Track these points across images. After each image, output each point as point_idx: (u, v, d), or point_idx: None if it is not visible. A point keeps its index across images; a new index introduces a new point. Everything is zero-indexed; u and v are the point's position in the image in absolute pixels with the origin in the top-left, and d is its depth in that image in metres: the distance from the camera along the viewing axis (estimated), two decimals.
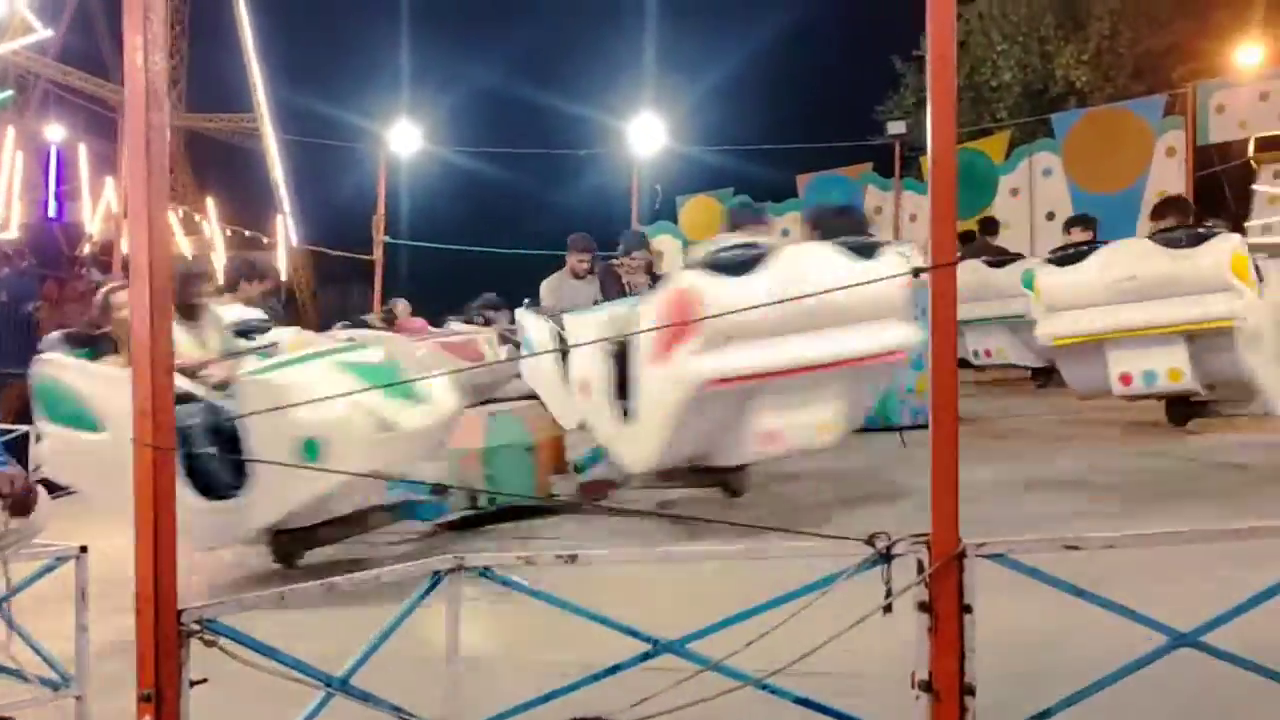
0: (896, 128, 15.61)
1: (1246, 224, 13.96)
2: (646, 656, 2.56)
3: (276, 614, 2.72)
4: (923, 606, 2.57)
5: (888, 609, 2.56)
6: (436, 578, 2.65)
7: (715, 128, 16.92)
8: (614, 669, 2.59)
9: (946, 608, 2.54)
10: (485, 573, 2.65)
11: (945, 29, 2.72)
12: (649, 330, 5.46)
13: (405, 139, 15.08)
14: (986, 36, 19.55)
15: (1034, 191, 15.63)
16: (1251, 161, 15.08)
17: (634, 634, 2.57)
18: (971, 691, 2.51)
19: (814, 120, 15.92)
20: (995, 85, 19.04)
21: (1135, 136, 15.04)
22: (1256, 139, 14.87)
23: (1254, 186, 14.74)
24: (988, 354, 11.88)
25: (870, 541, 2.61)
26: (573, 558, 2.56)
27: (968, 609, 2.54)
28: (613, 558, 2.89)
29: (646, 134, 15.64)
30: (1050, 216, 15.40)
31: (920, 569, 2.58)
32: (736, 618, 2.62)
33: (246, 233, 29.72)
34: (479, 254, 14.80)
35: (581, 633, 2.70)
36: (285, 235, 31.66)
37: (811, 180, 16.43)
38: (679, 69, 17.85)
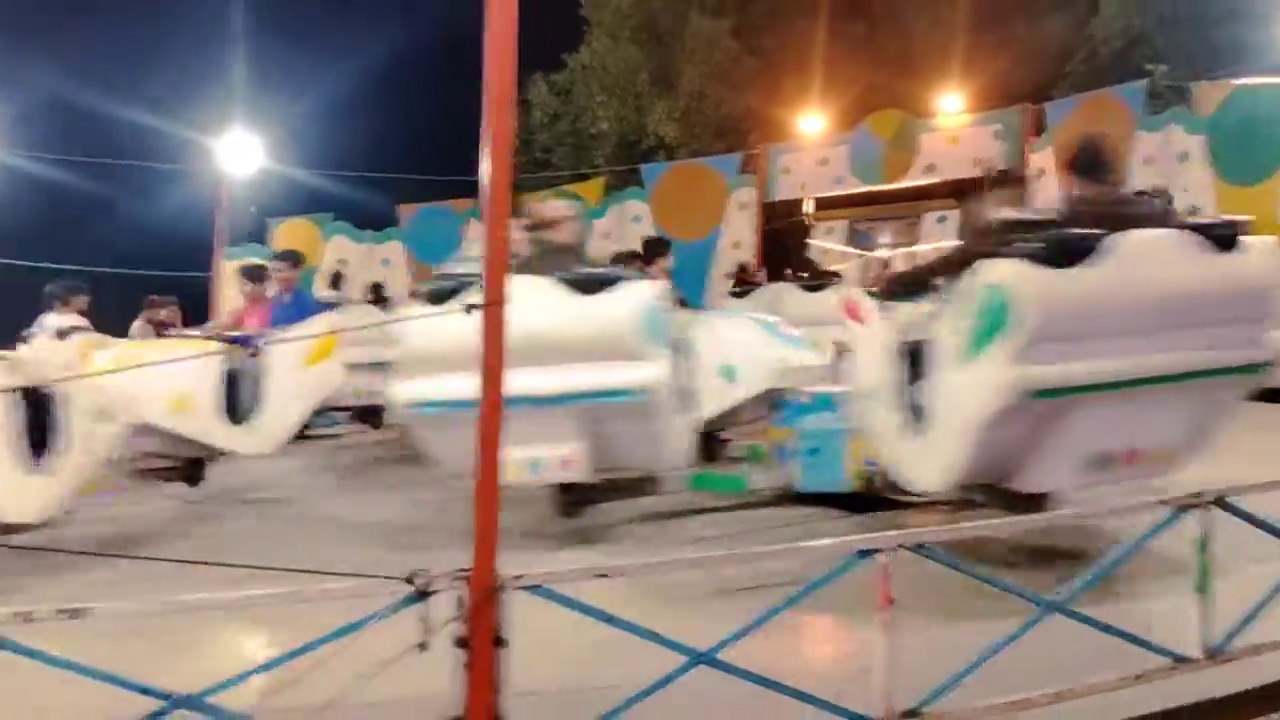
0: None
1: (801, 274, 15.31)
2: (159, 715, 2.37)
3: None
4: (460, 642, 2.58)
5: (423, 646, 2.54)
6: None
7: (317, 151, 16.40)
8: None
9: (482, 642, 2.57)
10: None
11: (504, 73, 2.77)
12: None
13: None
14: (588, 86, 20.56)
15: (625, 236, 16.52)
16: (806, 218, 16.80)
17: (146, 691, 2.37)
18: None
19: (420, 151, 15.83)
20: (594, 133, 19.98)
21: (713, 190, 16.40)
22: (815, 199, 16.66)
23: (809, 241, 16.49)
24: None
25: (409, 580, 2.58)
26: (75, 612, 2.32)
27: (502, 642, 2.58)
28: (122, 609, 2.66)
29: (239, 152, 14.95)
30: None
31: (461, 605, 2.58)
32: (268, 665, 2.50)
33: None
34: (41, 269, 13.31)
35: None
36: None
37: (415, 211, 16.37)
38: (278, 88, 17.15)
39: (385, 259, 16.25)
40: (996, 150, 14.49)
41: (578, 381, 4.93)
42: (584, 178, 17.54)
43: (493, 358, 2.68)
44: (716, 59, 19.49)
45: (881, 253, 15.29)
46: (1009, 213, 4.60)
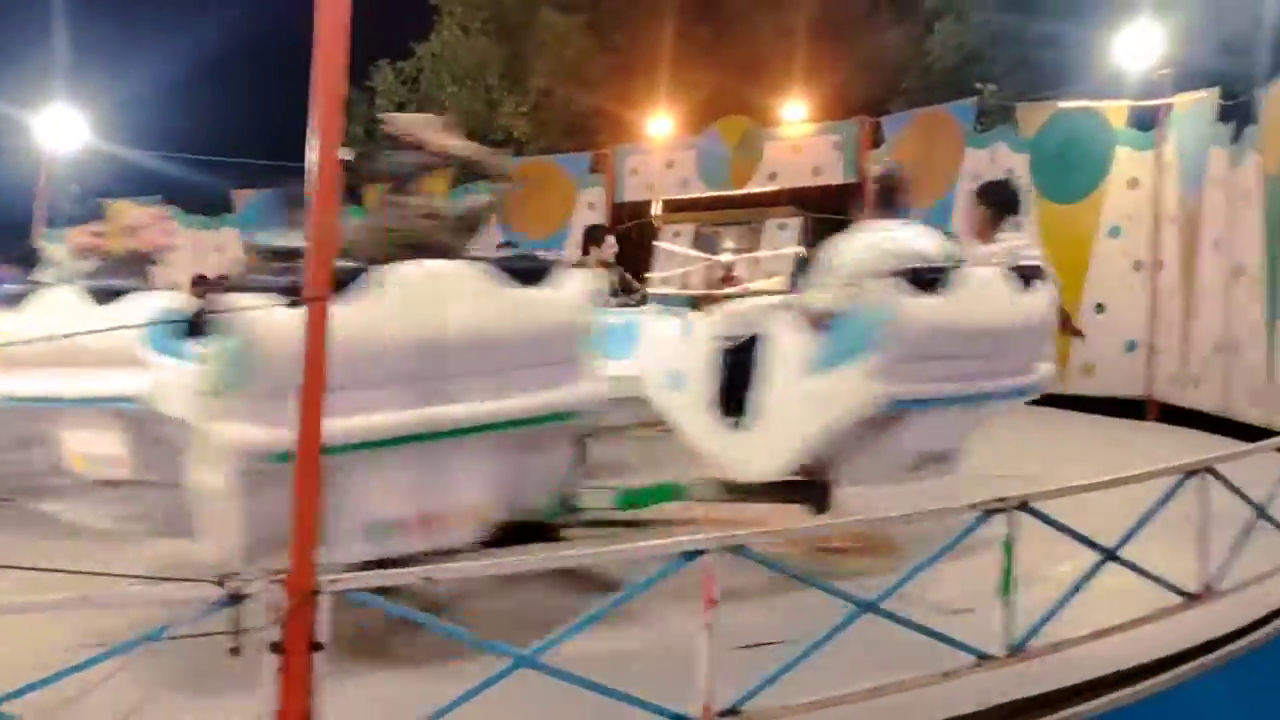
0: (342, 154, 15.47)
1: (647, 275, 15.41)
2: None
3: None
4: (275, 647, 2.50)
5: (235, 651, 2.46)
6: None
7: (149, 131, 15.62)
8: None
9: (297, 647, 2.50)
10: None
11: (334, 58, 2.70)
12: None
13: None
14: (438, 76, 20.22)
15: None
16: (654, 221, 16.91)
17: None
18: None
19: (259, 136, 15.31)
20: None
21: (562, 188, 16.35)
22: (662, 201, 16.76)
23: (656, 243, 16.58)
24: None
25: (220, 582, 2.49)
26: None
27: (318, 646, 2.51)
28: None
29: (61, 128, 14.17)
30: None
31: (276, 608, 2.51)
32: (61, 674, 2.37)
33: None
34: None
35: None
36: None
37: (251, 197, 15.80)
38: (106, 64, 16.26)
39: (219, 246, 15.64)
40: (836, 160, 14.88)
41: None
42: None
43: (316, 354, 2.60)
44: (567, 55, 19.46)
45: (725, 257, 15.49)
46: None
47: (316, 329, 2.62)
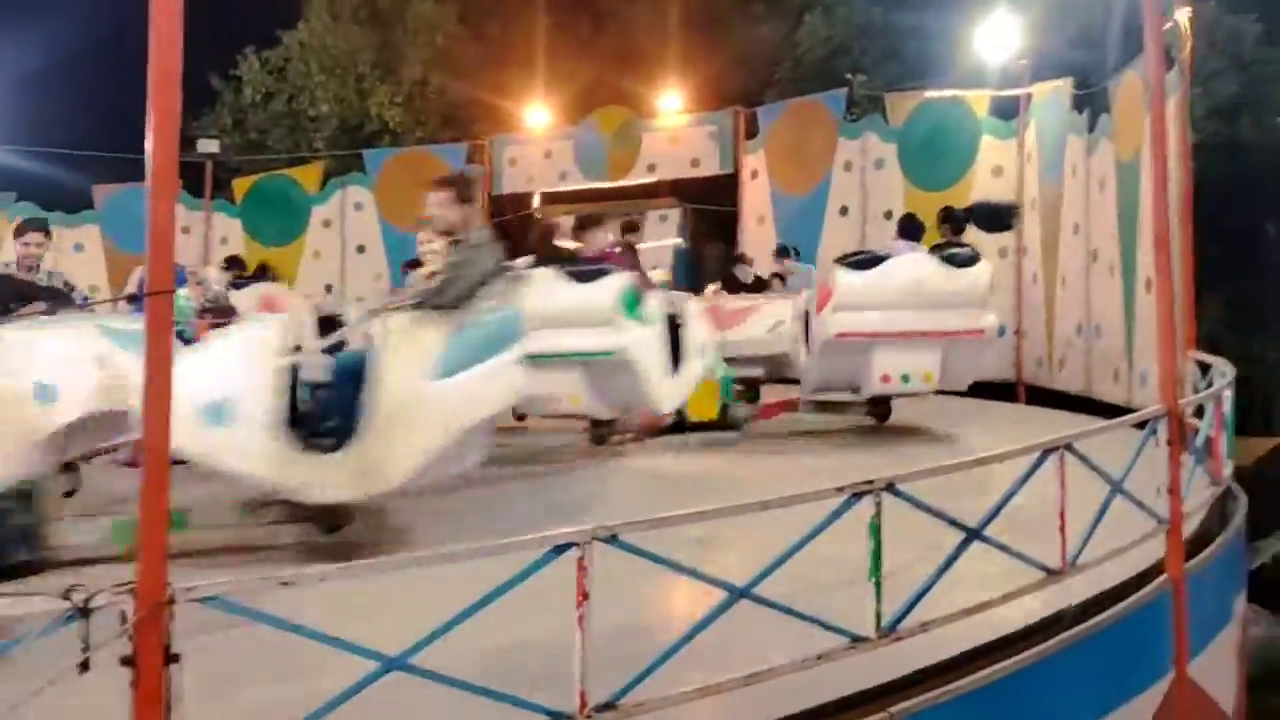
0: (208, 146, 15.02)
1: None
2: None
3: None
4: (125, 661, 2.38)
5: (84, 667, 2.33)
6: None
7: (4, 124, 14.77)
8: None
9: (150, 659, 2.38)
10: None
11: (169, 42, 2.57)
12: None
13: None
14: (307, 65, 19.67)
15: (345, 223, 15.97)
16: (535, 213, 16.78)
17: None
18: None
19: (123, 129, 14.61)
20: (314, 115, 19.13)
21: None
22: (542, 193, 16.63)
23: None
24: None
25: (67, 595, 2.36)
26: None
27: (174, 658, 2.40)
28: None
29: None
30: (361, 249, 15.89)
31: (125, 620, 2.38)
32: None
33: None
34: None
35: None
36: None
37: (112, 192, 15.15)
38: None
39: (78, 244, 14.97)
40: (712, 151, 14.99)
41: None
42: (303, 161, 16.81)
43: (159, 350, 2.49)
44: (440, 44, 19.15)
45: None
46: None
47: (162, 322, 2.52)
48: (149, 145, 2.54)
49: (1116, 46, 11.93)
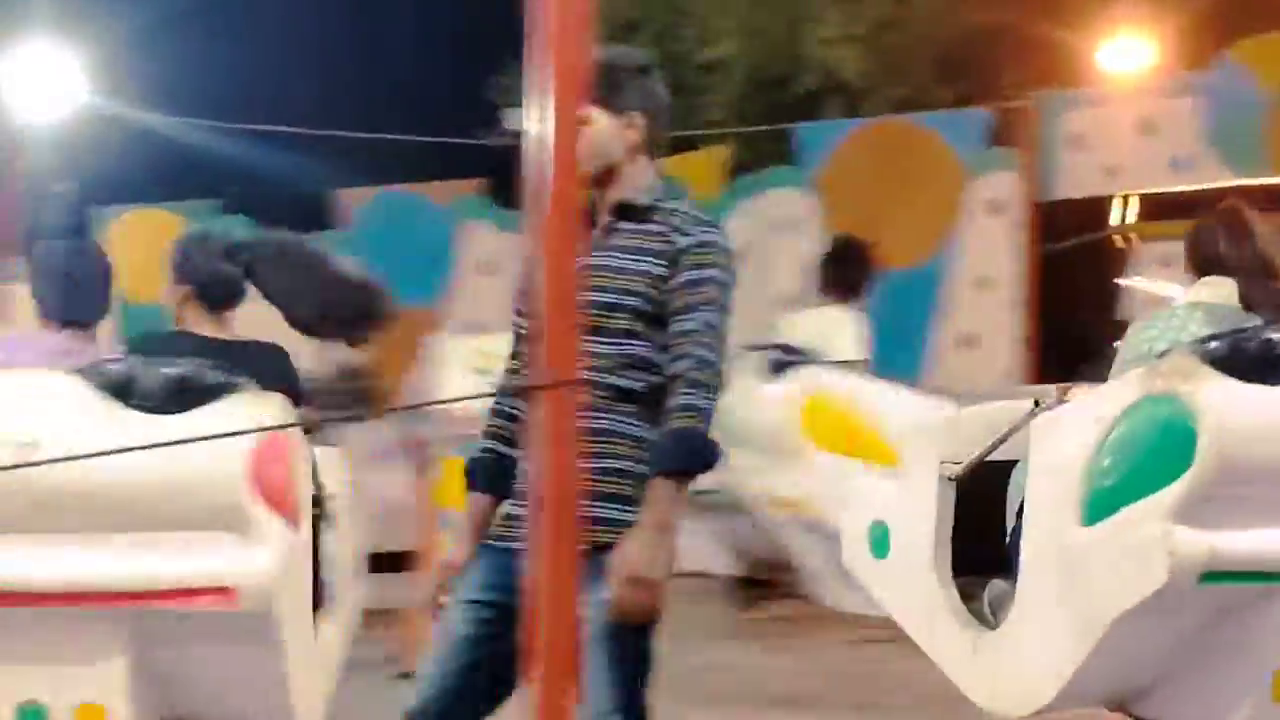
0: (517, 118, 8.57)
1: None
2: None
3: None
4: None
5: None
6: None
7: (189, 91, 9.45)
8: None
9: None
10: None
11: None
12: None
13: None
14: None
15: (767, 257, 8.99)
16: (1121, 237, 9.23)
17: None
18: None
19: (381, 98, 8.94)
20: (706, 64, 11.56)
21: (938, 175, 8.89)
22: (1136, 197, 9.21)
23: (1122, 280, 8.86)
24: None
25: None
26: None
27: None
28: None
29: (38, 88, 8.08)
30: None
31: None
32: None
33: None
34: None
35: None
36: None
37: (369, 200, 9.19)
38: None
39: None
40: None
41: None
42: (688, 145, 9.83)
43: None
44: None
45: None
46: None
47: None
48: (535, 122, 1.81)
49: None
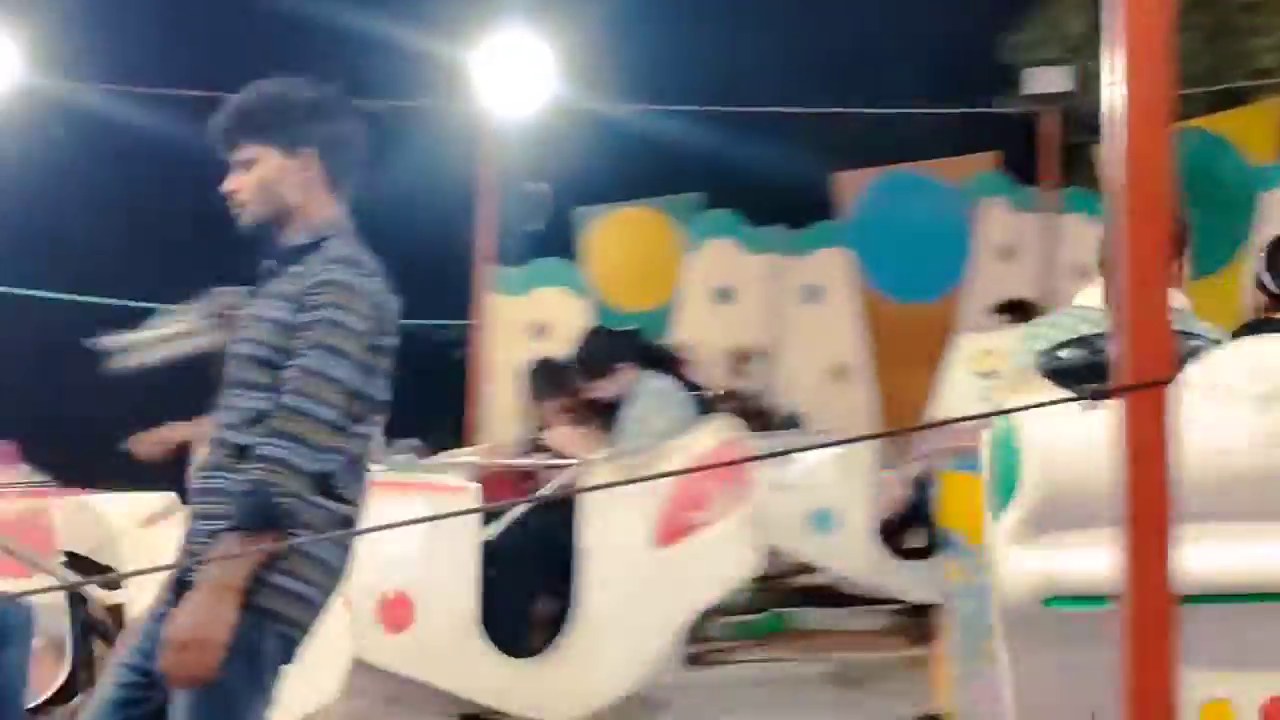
0: (1046, 80, 7.64)
1: None
2: None
3: None
4: None
5: None
6: None
7: (654, 69, 8.65)
8: None
9: None
10: None
11: None
12: None
13: None
14: None
15: None
16: None
17: None
18: None
19: (874, 63, 8.08)
20: (1251, 1, 9.69)
21: None
22: None
23: None
24: None
25: None
26: None
27: None
28: None
29: (512, 76, 7.27)
30: None
31: None
32: None
33: None
34: None
35: None
36: None
37: (871, 183, 8.21)
38: None
39: (810, 287, 8.08)
40: None
41: None
42: (1239, 100, 8.69)
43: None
44: None
45: None
46: None
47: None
48: (1113, 84, 1.61)
49: None
